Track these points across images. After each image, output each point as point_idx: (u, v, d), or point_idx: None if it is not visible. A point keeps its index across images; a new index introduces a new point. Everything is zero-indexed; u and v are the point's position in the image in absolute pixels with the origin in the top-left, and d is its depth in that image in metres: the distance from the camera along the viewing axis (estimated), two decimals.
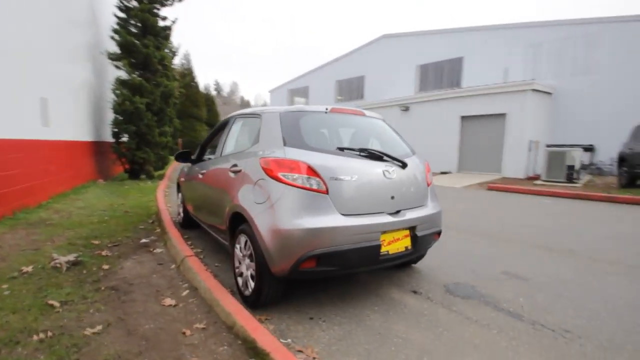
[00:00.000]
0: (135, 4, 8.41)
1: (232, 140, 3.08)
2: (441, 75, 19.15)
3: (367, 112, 2.90)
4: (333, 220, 2.08)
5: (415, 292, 2.69)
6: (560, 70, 14.89)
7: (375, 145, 2.55)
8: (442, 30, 18.97)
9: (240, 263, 2.48)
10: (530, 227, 5.00)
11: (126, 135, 8.46)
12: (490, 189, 9.61)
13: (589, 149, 13.62)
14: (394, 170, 2.41)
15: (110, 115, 8.52)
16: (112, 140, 8.70)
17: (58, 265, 2.84)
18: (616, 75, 13.39)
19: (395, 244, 2.31)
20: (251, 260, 2.28)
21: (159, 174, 10.03)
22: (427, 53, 19.29)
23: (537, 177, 11.99)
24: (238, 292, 2.46)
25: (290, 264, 2.05)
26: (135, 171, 8.93)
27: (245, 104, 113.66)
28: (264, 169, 2.21)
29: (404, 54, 20.26)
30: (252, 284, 2.28)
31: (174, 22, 9.10)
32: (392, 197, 2.37)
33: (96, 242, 3.71)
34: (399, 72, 20.50)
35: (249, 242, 2.29)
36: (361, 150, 2.38)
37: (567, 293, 2.71)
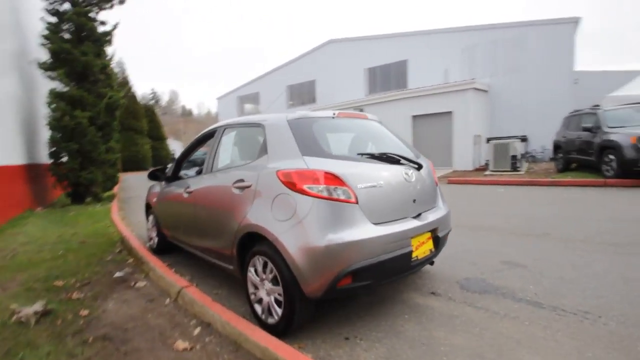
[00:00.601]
0: (68, 6, 7.47)
1: (226, 154, 2.80)
2: (388, 77, 20.00)
3: (369, 115, 2.83)
4: (367, 231, 1.96)
5: (434, 293, 2.66)
6: (494, 69, 16.38)
7: (386, 149, 2.48)
8: (386, 35, 19.83)
9: (257, 288, 2.24)
10: (499, 215, 5.33)
11: (66, 155, 7.46)
12: (451, 182, 10.17)
13: (523, 139, 15.12)
14: (412, 172, 2.37)
15: (45, 134, 7.45)
16: (49, 161, 7.61)
17: (23, 319, 2.33)
18: (540, 72, 15.08)
19: (422, 248, 2.26)
20: (275, 284, 2.07)
21: (108, 195, 9.03)
22: (374, 56, 20.04)
23: (483, 168, 13.01)
24: (257, 321, 2.22)
25: (326, 283, 1.89)
26: (80, 194, 7.92)
27: (187, 113, 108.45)
28: (285, 183, 2.01)
29: (352, 57, 20.82)
30: (278, 310, 2.06)
31: (115, 26, 8.26)
32: (414, 201, 2.32)
33: (59, 283, 3.15)
34: (349, 75, 21.01)
35: (270, 265, 2.07)
36: (381, 154, 2.29)
37: (565, 275, 2.88)
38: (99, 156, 7.72)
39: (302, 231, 1.90)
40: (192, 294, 2.54)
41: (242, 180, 2.34)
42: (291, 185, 1.98)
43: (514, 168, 10.99)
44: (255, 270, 2.23)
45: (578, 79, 15.09)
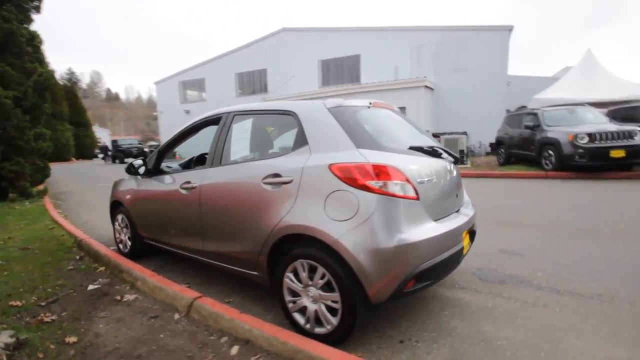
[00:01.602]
0: None
1: (242, 144, 2.45)
2: (342, 70, 20.16)
3: (394, 106, 2.71)
4: (431, 229, 1.85)
5: (458, 286, 2.68)
6: (439, 68, 17.46)
7: (419, 141, 2.39)
8: (340, 28, 19.90)
9: (296, 296, 2.00)
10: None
11: None
12: None
13: (464, 135, 16.47)
14: (452, 166, 2.32)
15: None
16: None
17: None
18: (479, 74, 16.45)
19: (464, 242, 2.23)
20: (327, 291, 1.86)
21: (38, 191, 7.64)
22: (328, 49, 19.99)
23: None
24: (298, 332, 1.99)
25: (393, 286, 1.75)
26: (3, 190, 6.56)
27: (113, 97, 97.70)
28: (343, 178, 1.80)
29: (305, 48, 20.51)
30: (331, 318, 1.86)
31: None
32: (456, 195, 2.28)
33: (17, 303, 2.52)
34: (302, 66, 20.69)
35: (320, 270, 1.85)
36: (429, 147, 2.19)
37: (559, 260, 3.11)
38: (27, 144, 6.46)
39: (367, 232, 1.72)
40: (210, 306, 2.19)
41: (277, 175, 2.05)
42: (351, 181, 1.78)
43: (462, 162, 11.89)
44: (296, 277, 1.99)
45: (510, 82, 16.86)
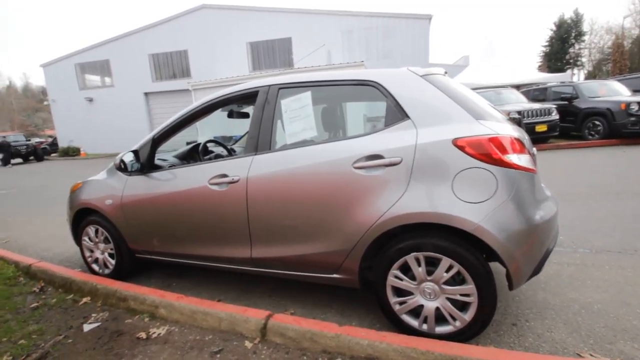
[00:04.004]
0: None
1: (301, 124, 1.99)
2: (273, 54, 19.34)
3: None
4: (552, 204, 1.76)
5: None
6: (369, 54, 18.02)
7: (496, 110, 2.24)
8: (268, 9, 18.92)
9: (406, 295, 1.74)
10: None
11: None
12: None
13: None
14: None
15: None
16: None
17: None
18: (404, 61, 17.43)
19: None
20: (453, 284, 1.64)
21: None
22: (256, 31, 18.90)
23: None
24: (410, 334, 1.74)
25: (532, 268, 1.63)
26: None
27: None
28: (474, 154, 1.56)
29: (232, 29, 19.06)
30: (459, 314, 1.65)
31: None
32: None
33: None
34: (229, 48, 19.23)
35: (446, 262, 1.61)
36: (515, 117, 2.07)
37: (577, 223, 3.32)
38: None
39: (512, 211, 1.54)
40: (295, 323, 1.77)
41: (376, 157, 1.71)
42: (485, 157, 1.56)
43: None
44: (406, 273, 1.72)
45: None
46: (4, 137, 19.30)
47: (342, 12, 18.24)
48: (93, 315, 2.22)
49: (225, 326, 1.92)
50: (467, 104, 1.72)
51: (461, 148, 1.59)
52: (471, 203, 1.55)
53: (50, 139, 25.80)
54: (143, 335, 1.95)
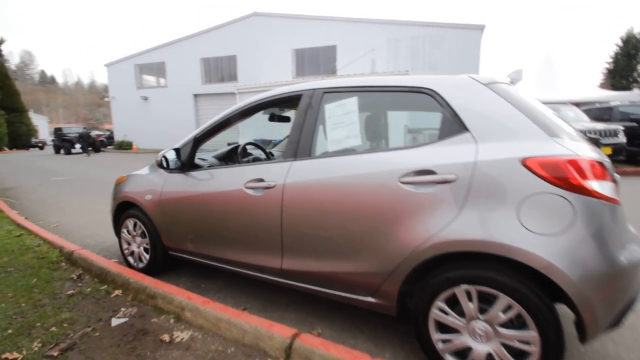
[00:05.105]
0: None
1: (345, 131, 1.87)
2: (317, 61, 19.53)
3: None
4: (637, 246, 1.46)
5: None
6: (414, 64, 17.60)
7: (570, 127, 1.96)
8: (315, 17, 19.20)
9: (452, 332, 1.53)
10: None
11: None
12: None
13: None
14: None
15: None
16: None
17: None
18: (452, 71, 16.83)
19: None
20: (511, 328, 1.40)
21: None
22: (302, 38, 19.23)
23: None
24: None
25: (611, 319, 1.35)
26: None
27: (48, 80, 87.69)
28: (547, 177, 1.33)
29: (278, 36, 19.55)
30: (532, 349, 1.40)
31: None
32: None
33: (12, 355, 1.73)
34: (274, 54, 19.72)
35: (504, 300, 1.38)
36: (592, 135, 1.79)
37: None
38: None
39: (592, 249, 1.28)
40: (322, 348, 1.62)
41: (427, 172, 1.53)
42: (561, 181, 1.32)
43: None
44: (453, 307, 1.50)
45: None
46: (85, 127, 21.26)
47: (389, 21, 18.03)
48: (122, 309, 2.22)
49: (248, 340, 1.81)
50: (539, 118, 1.49)
51: (532, 169, 1.36)
52: (541, 235, 1.32)
53: (108, 133, 28.01)
54: (167, 337, 1.90)
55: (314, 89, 2.02)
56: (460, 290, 1.47)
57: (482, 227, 1.40)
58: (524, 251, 1.32)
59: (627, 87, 33.48)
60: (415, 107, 1.83)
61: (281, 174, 1.94)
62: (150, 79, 24.15)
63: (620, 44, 37.93)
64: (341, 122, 1.89)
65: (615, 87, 34.15)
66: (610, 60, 38.53)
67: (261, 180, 2.01)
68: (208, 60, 21.47)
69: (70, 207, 5.48)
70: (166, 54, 22.22)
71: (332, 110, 1.93)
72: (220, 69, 21.38)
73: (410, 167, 1.57)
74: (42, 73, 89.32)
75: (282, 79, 18.17)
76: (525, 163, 1.37)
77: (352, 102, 1.88)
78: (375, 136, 1.91)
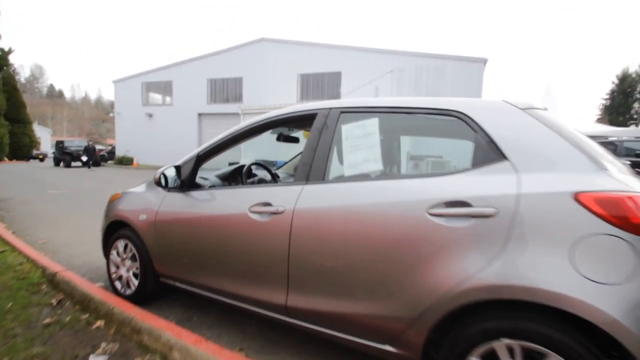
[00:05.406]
0: None
1: (364, 154, 1.70)
2: (322, 86, 19.85)
3: None
4: None
5: None
6: (418, 93, 17.85)
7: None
8: (321, 44, 19.73)
9: None
10: None
11: None
12: None
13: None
14: None
15: None
16: None
17: None
18: None
19: None
20: None
21: None
22: (308, 63, 19.64)
23: None
24: None
25: None
26: None
27: (56, 94, 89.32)
28: (605, 215, 1.15)
29: (285, 60, 19.98)
30: None
31: None
32: None
33: None
34: (280, 78, 20.08)
35: None
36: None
37: None
38: None
39: None
40: None
41: (462, 204, 1.34)
42: (621, 221, 1.13)
43: None
44: None
45: None
46: (91, 141, 21.29)
47: (393, 51, 18.49)
48: (103, 344, 1.96)
49: None
50: (584, 147, 1.32)
51: (586, 205, 1.18)
52: (601, 284, 1.11)
53: (109, 147, 28.03)
54: None
55: (330, 108, 1.87)
56: (500, 346, 1.25)
57: (529, 272, 1.19)
58: (582, 303, 1.11)
59: (623, 124, 33.98)
60: (443, 131, 1.68)
61: (291, 198, 1.76)
62: (156, 97, 24.47)
63: (617, 81, 38.84)
64: (360, 144, 1.73)
65: (612, 122, 34.70)
66: (607, 96, 39.42)
67: (268, 204, 1.82)
68: (215, 80, 21.83)
69: (63, 222, 5.25)
70: (174, 73, 22.63)
71: (350, 131, 1.77)
72: (226, 90, 21.69)
73: (440, 198, 1.39)
74: (51, 87, 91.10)
75: (286, 102, 18.38)
76: (577, 198, 1.19)
77: (373, 123, 1.73)
78: (398, 161, 1.74)
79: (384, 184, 1.56)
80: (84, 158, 18.98)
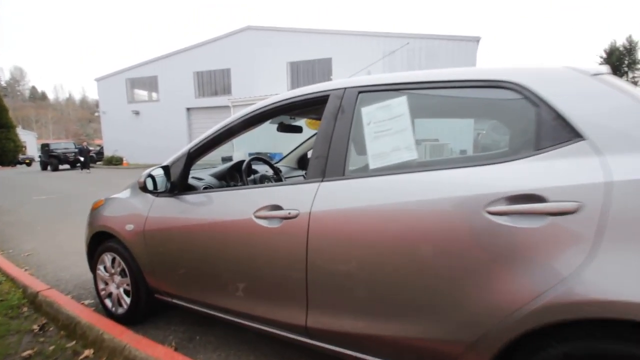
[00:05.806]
0: None
1: (393, 140, 1.39)
2: (313, 73, 19.34)
3: None
4: None
5: None
6: None
7: None
8: (310, 30, 19.13)
9: None
10: None
11: None
12: None
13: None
14: None
15: None
16: None
17: None
18: None
19: None
20: None
21: None
22: (297, 51, 19.05)
23: None
24: None
25: None
26: None
27: (39, 96, 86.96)
28: None
29: (272, 49, 19.36)
30: None
31: None
32: None
33: None
34: (269, 67, 19.49)
35: None
36: None
37: None
38: None
39: None
40: None
41: (532, 198, 1.05)
42: None
43: None
44: None
45: None
46: (84, 142, 20.56)
47: (384, 33, 17.99)
48: None
49: None
50: None
51: None
52: None
53: (97, 148, 27.27)
54: None
55: (345, 88, 1.56)
56: None
57: (630, 282, 0.92)
58: None
59: None
60: (492, 108, 1.38)
61: (305, 199, 1.45)
62: (142, 93, 23.72)
63: (605, 56, 38.79)
64: (387, 129, 1.42)
65: None
66: None
67: (278, 207, 1.52)
68: (201, 73, 21.14)
69: (49, 231, 4.89)
70: (158, 67, 21.86)
71: (373, 114, 1.46)
72: (214, 82, 21.05)
73: (500, 192, 1.10)
74: (33, 89, 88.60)
75: (277, 92, 17.88)
76: None
77: (401, 102, 1.42)
78: (437, 148, 1.46)
79: (422, 177, 1.26)
80: (81, 158, 18.32)
